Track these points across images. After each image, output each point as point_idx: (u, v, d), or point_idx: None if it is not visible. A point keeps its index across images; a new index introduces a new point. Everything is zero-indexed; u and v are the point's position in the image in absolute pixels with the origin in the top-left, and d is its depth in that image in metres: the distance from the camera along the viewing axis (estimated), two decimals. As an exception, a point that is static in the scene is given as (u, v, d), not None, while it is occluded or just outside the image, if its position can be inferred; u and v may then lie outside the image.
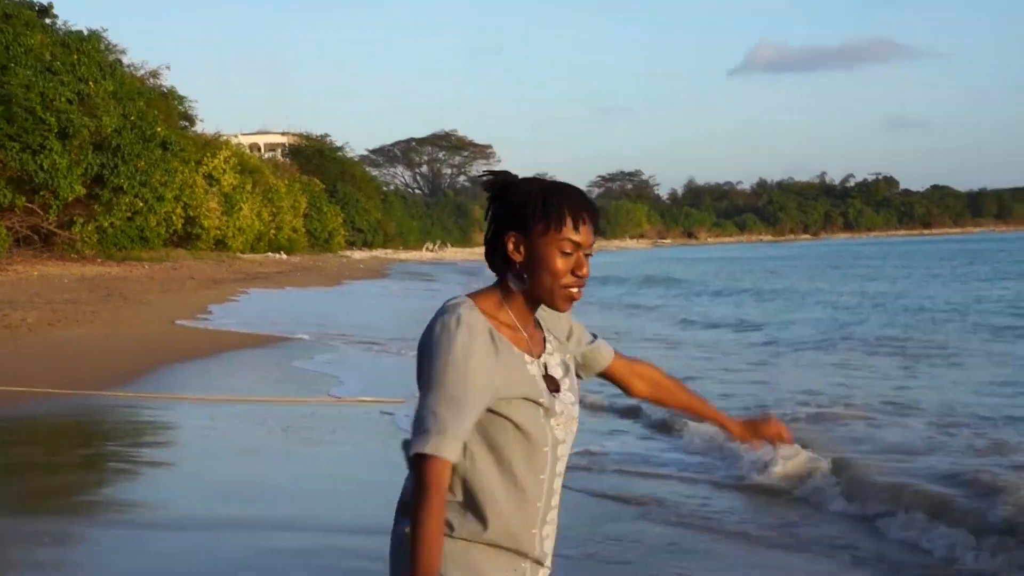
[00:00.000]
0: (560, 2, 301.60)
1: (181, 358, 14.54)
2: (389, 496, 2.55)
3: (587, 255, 2.37)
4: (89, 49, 36.97)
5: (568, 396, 2.39)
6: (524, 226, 2.32)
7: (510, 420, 2.30)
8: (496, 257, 2.37)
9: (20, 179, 32.35)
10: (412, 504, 2.17)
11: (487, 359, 2.26)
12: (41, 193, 33.00)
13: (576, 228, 2.32)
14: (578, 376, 2.54)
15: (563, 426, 2.36)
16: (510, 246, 2.33)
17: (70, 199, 33.50)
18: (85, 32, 39.25)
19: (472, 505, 2.31)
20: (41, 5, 40.40)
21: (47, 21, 39.94)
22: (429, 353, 2.24)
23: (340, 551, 6.16)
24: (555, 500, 2.41)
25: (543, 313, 2.46)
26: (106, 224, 36.40)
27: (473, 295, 2.35)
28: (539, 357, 2.38)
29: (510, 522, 2.34)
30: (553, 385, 2.35)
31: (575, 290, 2.35)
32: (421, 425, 2.20)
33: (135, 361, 13.94)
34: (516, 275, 2.35)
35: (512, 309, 2.36)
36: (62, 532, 6.40)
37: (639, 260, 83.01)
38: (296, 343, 17.72)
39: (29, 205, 33.11)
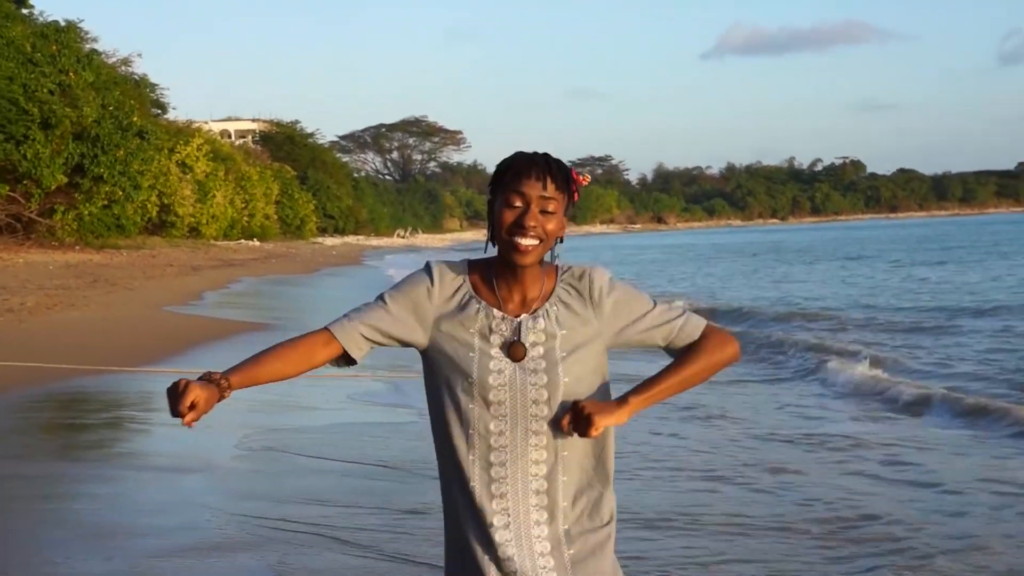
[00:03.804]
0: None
1: (196, 341, 15.86)
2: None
3: (546, 212, 2.41)
4: (67, 39, 37.95)
5: (535, 363, 2.44)
6: (492, 197, 2.48)
7: (444, 361, 2.46)
8: (489, 231, 2.51)
9: (4, 168, 33.46)
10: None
11: (427, 295, 2.47)
12: (24, 182, 34.11)
13: (519, 180, 2.41)
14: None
15: (507, 389, 2.43)
16: (489, 213, 2.49)
17: (52, 188, 34.63)
18: (62, 22, 40.22)
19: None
20: (17, -5, 41.33)
21: (24, 12, 40.90)
22: None
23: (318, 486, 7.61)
24: (510, 471, 2.44)
25: (576, 284, 2.51)
26: (85, 212, 37.50)
27: (476, 260, 2.54)
28: (516, 316, 2.47)
29: (451, 470, 2.49)
30: (516, 349, 2.44)
31: (518, 239, 2.40)
32: (341, 315, 2.52)
33: (141, 342, 15.32)
34: (488, 243, 2.50)
35: (498, 279, 2.47)
36: (101, 475, 7.79)
37: (605, 250, 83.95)
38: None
39: (12, 194, 34.22)
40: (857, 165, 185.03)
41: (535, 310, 2.47)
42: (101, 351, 13.87)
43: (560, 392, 2.42)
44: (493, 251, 2.51)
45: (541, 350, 2.43)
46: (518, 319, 2.45)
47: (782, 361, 15.32)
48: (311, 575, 5.58)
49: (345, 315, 2.50)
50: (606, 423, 2.39)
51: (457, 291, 2.48)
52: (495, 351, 2.43)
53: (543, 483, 2.44)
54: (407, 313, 2.47)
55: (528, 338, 2.44)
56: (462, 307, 2.46)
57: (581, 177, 2.49)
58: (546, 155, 2.45)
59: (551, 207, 2.42)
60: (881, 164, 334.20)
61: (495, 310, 2.46)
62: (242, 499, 7.19)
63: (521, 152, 2.47)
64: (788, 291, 31.28)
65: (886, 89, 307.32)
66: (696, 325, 2.52)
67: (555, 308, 2.47)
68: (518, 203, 2.41)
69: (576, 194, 2.49)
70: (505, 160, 2.47)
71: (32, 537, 6.09)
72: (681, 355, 2.51)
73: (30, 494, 7.09)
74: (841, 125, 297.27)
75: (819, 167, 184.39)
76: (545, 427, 2.43)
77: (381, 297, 2.50)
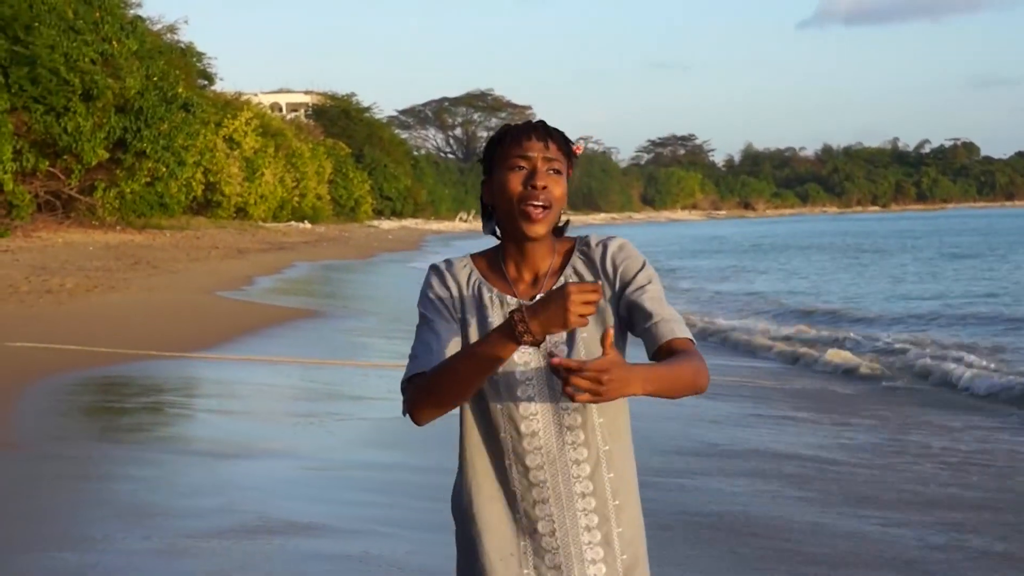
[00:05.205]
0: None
1: (247, 328, 16.41)
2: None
3: (552, 171, 2.46)
4: (110, 5, 38.95)
5: (557, 349, 2.47)
6: (487, 169, 2.53)
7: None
8: (484, 213, 2.58)
9: (43, 142, 34.54)
10: (420, 399, 2.42)
11: (451, 299, 2.52)
12: (64, 157, 35.18)
13: (519, 142, 2.46)
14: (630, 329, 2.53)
15: (533, 383, 2.45)
16: (485, 194, 2.55)
17: (93, 163, 35.65)
18: (105, -13, 41.26)
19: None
20: (59, -41, 42.49)
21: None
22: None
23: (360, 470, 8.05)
24: (541, 460, 2.47)
25: (585, 258, 2.55)
26: (127, 190, 38.54)
27: (477, 253, 2.61)
28: (530, 299, 2.49)
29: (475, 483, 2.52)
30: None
31: (530, 205, 2.44)
32: (404, 375, 2.49)
33: (188, 327, 15.96)
34: (488, 218, 2.56)
35: (507, 261, 2.52)
36: (140, 457, 8.32)
37: (684, 242, 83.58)
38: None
39: (51, 169, 35.33)
40: (970, 147, 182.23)
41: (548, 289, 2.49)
42: (144, 336, 14.49)
43: None
44: (492, 240, 2.59)
45: (563, 334, 2.44)
46: (532, 301, 2.45)
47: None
48: (352, 562, 5.99)
49: (415, 356, 2.47)
50: (623, 393, 2.21)
51: (468, 282, 2.52)
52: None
53: (588, 484, 2.46)
54: (447, 317, 2.50)
55: None
56: (476, 297, 2.51)
57: (575, 145, 2.54)
58: (539, 120, 2.52)
59: (557, 166, 2.47)
60: (997, 146, 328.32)
61: (508, 296, 2.50)
62: (285, 485, 7.65)
63: (510, 123, 2.55)
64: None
65: (1005, 63, 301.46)
66: (683, 329, 2.45)
67: (570, 281, 2.47)
68: (523, 165, 2.45)
69: (572, 166, 2.53)
70: (495, 134, 2.53)
71: (71, 515, 6.59)
72: (671, 356, 2.40)
73: (69, 474, 7.62)
74: (953, 103, 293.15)
75: (926, 149, 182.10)
76: (579, 421, 2.45)
77: (425, 319, 2.51)
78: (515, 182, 2.44)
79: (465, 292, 2.52)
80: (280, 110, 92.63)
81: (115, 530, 6.27)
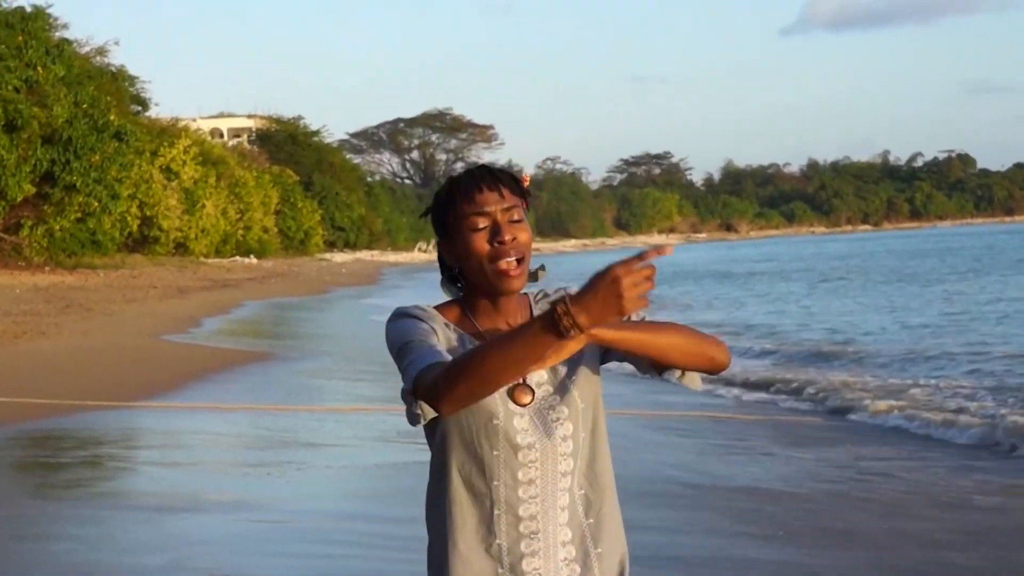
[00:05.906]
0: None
1: (192, 374, 16.45)
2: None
3: (513, 221, 2.53)
4: (35, 29, 39.03)
5: (550, 399, 2.54)
6: (443, 230, 2.58)
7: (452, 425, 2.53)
8: (445, 274, 2.63)
9: (-36, 178, 34.55)
10: (451, 382, 2.36)
11: (434, 333, 2.53)
12: (-14, 194, 35.19)
13: (472, 199, 2.52)
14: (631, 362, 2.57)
15: (531, 432, 2.50)
16: (444, 255, 2.60)
17: (18, 199, 35.60)
18: (29, 9, 41.27)
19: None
20: (-23, -20, 42.48)
21: (-15, -2, 42.06)
22: (390, 346, 2.55)
23: (315, 533, 8.14)
24: (539, 524, 2.52)
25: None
26: (56, 227, 38.46)
27: (438, 305, 2.62)
28: None
29: (461, 546, 2.54)
30: (522, 394, 2.52)
31: (504, 262, 2.50)
32: (407, 380, 2.45)
33: (126, 374, 15.99)
34: (452, 280, 2.62)
35: (477, 315, 2.59)
36: (79, 515, 8.38)
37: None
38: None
39: (-27, 207, 35.31)
40: (965, 159, 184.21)
41: None
42: (79, 385, 14.50)
43: (580, 420, 2.53)
44: (446, 295, 2.62)
45: (550, 388, 2.54)
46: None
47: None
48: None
49: (414, 362, 2.46)
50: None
51: (448, 327, 2.57)
52: (503, 395, 2.50)
53: (567, 532, 2.54)
54: (440, 341, 2.53)
55: (531, 378, 2.54)
56: (461, 345, 2.55)
57: (523, 177, 2.63)
58: (483, 166, 2.59)
59: (516, 215, 2.54)
60: (994, 158, 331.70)
61: None
62: (236, 539, 7.74)
63: (454, 176, 2.58)
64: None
65: (1001, 68, 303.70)
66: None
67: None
68: (483, 224, 2.52)
69: (527, 199, 2.59)
70: (441, 193, 2.59)
71: (7, 578, 6.65)
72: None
73: (2, 535, 7.67)
74: (946, 112, 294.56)
75: (919, 162, 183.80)
76: (572, 465, 2.53)
77: (412, 342, 2.50)
78: (480, 242, 2.51)
79: (450, 338, 2.55)
80: (221, 136, 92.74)
81: (55, 592, 6.35)
